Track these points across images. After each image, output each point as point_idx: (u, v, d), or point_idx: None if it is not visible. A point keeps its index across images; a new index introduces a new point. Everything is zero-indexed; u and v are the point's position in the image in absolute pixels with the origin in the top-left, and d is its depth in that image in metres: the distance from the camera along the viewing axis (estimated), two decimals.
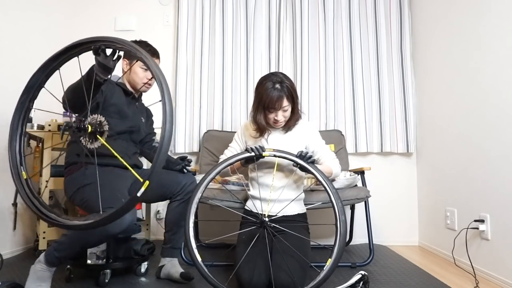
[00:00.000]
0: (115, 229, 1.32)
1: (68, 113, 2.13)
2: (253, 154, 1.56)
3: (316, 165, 1.60)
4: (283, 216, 1.67)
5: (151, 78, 1.72)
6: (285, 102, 1.65)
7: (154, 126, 1.99)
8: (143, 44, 1.75)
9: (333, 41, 2.63)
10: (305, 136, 1.79)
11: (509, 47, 1.67)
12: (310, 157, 1.53)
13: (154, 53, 1.78)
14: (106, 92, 1.60)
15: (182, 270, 1.66)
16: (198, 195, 1.51)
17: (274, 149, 1.56)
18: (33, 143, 2.15)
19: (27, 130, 1.97)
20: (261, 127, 1.72)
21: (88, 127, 1.23)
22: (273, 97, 1.62)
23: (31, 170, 2.20)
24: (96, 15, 2.74)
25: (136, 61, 1.70)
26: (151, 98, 2.13)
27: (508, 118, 1.66)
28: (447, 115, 2.18)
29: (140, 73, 1.73)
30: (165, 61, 2.72)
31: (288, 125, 1.77)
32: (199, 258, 1.42)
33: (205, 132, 2.53)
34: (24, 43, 2.20)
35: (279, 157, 1.51)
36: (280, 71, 2.57)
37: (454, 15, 2.12)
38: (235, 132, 2.54)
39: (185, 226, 1.48)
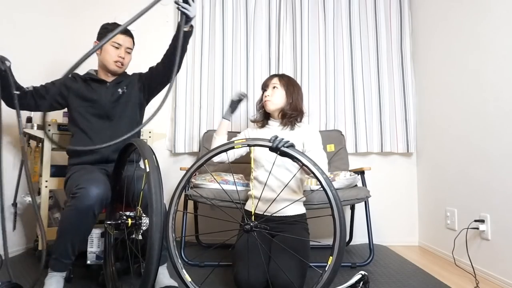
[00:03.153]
0: (83, 203, 1.36)
1: (68, 114, 2.13)
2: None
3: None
4: (281, 216, 1.67)
5: (123, 57, 1.75)
6: (275, 80, 1.82)
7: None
8: (113, 23, 1.79)
9: (333, 41, 2.63)
10: (303, 135, 1.79)
11: (509, 47, 1.67)
12: (287, 141, 1.31)
13: (125, 31, 1.78)
14: (67, 87, 1.73)
15: (167, 284, 1.52)
16: (173, 208, 1.35)
17: (247, 139, 1.34)
18: (33, 143, 2.15)
19: (27, 130, 1.97)
20: (260, 112, 1.90)
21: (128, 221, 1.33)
22: (267, 78, 1.89)
23: (32, 170, 2.20)
24: (96, 15, 2.73)
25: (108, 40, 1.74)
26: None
27: (508, 118, 1.66)
28: (447, 115, 2.18)
29: (111, 52, 1.73)
30: None
31: (284, 115, 1.80)
32: (188, 279, 1.33)
33: (205, 132, 2.53)
34: (24, 43, 2.20)
35: (253, 145, 1.33)
36: (280, 71, 2.59)
37: (454, 15, 2.12)
38: (235, 132, 2.56)
39: (167, 245, 1.34)
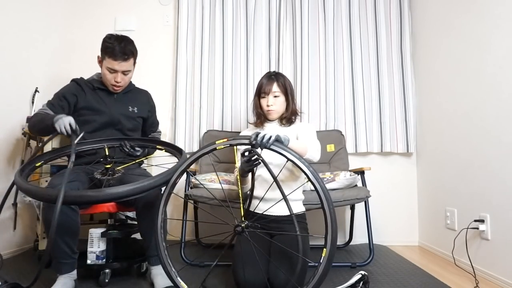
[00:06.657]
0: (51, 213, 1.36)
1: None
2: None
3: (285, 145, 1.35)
4: (278, 215, 1.66)
5: (119, 81, 1.72)
6: (275, 88, 1.75)
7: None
8: (115, 40, 1.66)
9: (333, 41, 2.63)
10: (298, 129, 1.78)
11: (509, 47, 1.67)
12: (270, 137, 1.27)
13: (123, 52, 1.65)
14: (76, 96, 1.73)
15: (167, 285, 1.52)
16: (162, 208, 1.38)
17: (228, 139, 1.31)
18: (33, 143, 2.16)
19: (27, 130, 1.97)
20: (258, 116, 1.82)
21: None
22: (264, 81, 1.77)
23: None
24: (96, 15, 2.74)
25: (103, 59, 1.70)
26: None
27: (508, 118, 1.66)
28: (447, 115, 2.18)
29: (107, 75, 1.70)
30: (165, 61, 2.72)
31: (283, 118, 1.79)
32: (184, 286, 1.34)
33: (205, 132, 2.53)
34: (24, 43, 2.20)
35: (235, 144, 1.31)
36: (280, 71, 2.59)
37: (454, 15, 2.12)
38: (235, 132, 2.56)
39: (158, 252, 1.36)
